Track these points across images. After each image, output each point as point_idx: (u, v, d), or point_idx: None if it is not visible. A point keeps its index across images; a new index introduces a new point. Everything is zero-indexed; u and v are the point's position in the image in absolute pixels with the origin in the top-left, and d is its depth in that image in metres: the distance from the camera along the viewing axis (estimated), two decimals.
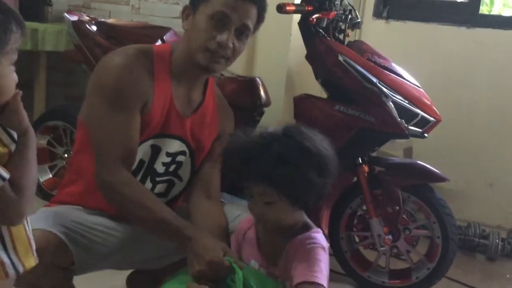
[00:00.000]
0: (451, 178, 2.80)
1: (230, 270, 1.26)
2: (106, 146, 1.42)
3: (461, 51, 3.07)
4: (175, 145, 1.55)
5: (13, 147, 1.00)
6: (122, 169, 1.42)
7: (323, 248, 1.26)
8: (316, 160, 1.21)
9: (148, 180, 1.56)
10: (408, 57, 3.07)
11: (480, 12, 3.12)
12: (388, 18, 3.27)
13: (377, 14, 3.29)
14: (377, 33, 3.23)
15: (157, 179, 1.57)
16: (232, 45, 1.43)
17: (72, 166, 1.61)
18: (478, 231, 2.82)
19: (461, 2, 3.18)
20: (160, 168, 1.56)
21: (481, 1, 3.11)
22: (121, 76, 1.42)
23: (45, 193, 2.83)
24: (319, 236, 1.28)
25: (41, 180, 2.85)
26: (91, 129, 1.47)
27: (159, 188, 1.59)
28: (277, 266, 1.29)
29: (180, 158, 1.58)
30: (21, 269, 1.01)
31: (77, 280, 1.51)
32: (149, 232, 1.48)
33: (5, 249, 0.98)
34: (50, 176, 2.88)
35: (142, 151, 1.50)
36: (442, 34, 3.11)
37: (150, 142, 1.51)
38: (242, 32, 1.45)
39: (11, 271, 0.99)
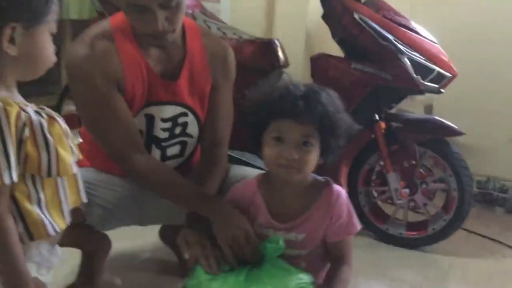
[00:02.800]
0: (472, 134, 2.82)
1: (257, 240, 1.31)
2: (111, 143, 1.47)
3: (484, 5, 3.03)
4: (168, 110, 1.55)
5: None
6: (137, 154, 1.46)
7: (346, 195, 1.35)
8: (345, 113, 1.28)
9: (154, 147, 1.58)
10: (429, 12, 3.06)
11: None
12: None
13: None
14: None
15: (163, 144, 1.59)
16: (166, 21, 1.36)
17: (84, 136, 1.67)
18: (497, 185, 2.87)
19: None
20: (162, 134, 1.57)
21: None
22: (83, 72, 1.41)
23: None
24: (338, 187, 1.35)
25: None
26: (91, 133, 1.53)
27: (173, 150, 1.62)
28: (304, 215, 1.32)
29: (182, 119, 1.59)
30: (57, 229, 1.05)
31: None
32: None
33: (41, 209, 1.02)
34: (80, 140, 3.00)
35: (138, 122, 1.52)
36: None
37: (142, 112, 1.52)
38: (168, 3, 1.35)
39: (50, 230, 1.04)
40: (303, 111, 1.22)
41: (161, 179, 1.48)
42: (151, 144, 1.58)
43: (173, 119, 1.57)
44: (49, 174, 1.00)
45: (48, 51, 1.04)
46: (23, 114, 0.95)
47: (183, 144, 1.64)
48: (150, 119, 1.54)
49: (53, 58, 1.06)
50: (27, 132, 0.95)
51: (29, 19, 0.97)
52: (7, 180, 0.92)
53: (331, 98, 1.26)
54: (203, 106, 1.61)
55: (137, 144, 1.50)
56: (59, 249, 1.15)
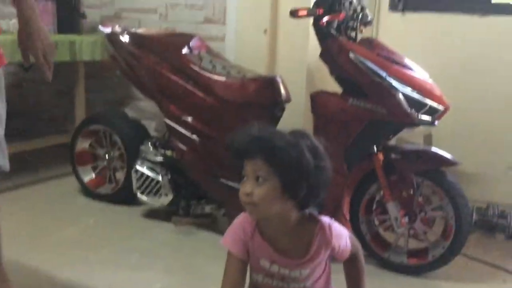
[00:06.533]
0: (471, 161, 2.92)
1: None
2: None
3: (475, 39, 3.16)
4: None
5: None
6: None
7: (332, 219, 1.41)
8: (314, 149, 1.26)
9: None
10: (425, 47, 3.21)
11: (493, 1, 3.20)
12: (403, 10, 3.38)
13: (393, 7, 3.40)
14: (394, 26, 3.36)
15: None
16: None
17: None
18: (496, 212, 2.92)
19: None
20: None
21: None
22: None
23: (89, 191, 3.09)
24: (324, 217, 1.39)
25: (85, 180, 3.10)
26: None
27: None
28: (306, 256, 1.35)
29: None
30: None
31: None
32: None
33: None
34: (93, 176, 3.14)
35: None
36: (457, 24, 3.21)
37: None
38: None
39: None
40: (250, 147, 1.24)
41: None
42: None
43: None
44: None
45: None
46: None
47: None
48: None
49: None
50: None
51: None
52: None
53: (283, 135, 1.26)
54: None
55: None
56: None
